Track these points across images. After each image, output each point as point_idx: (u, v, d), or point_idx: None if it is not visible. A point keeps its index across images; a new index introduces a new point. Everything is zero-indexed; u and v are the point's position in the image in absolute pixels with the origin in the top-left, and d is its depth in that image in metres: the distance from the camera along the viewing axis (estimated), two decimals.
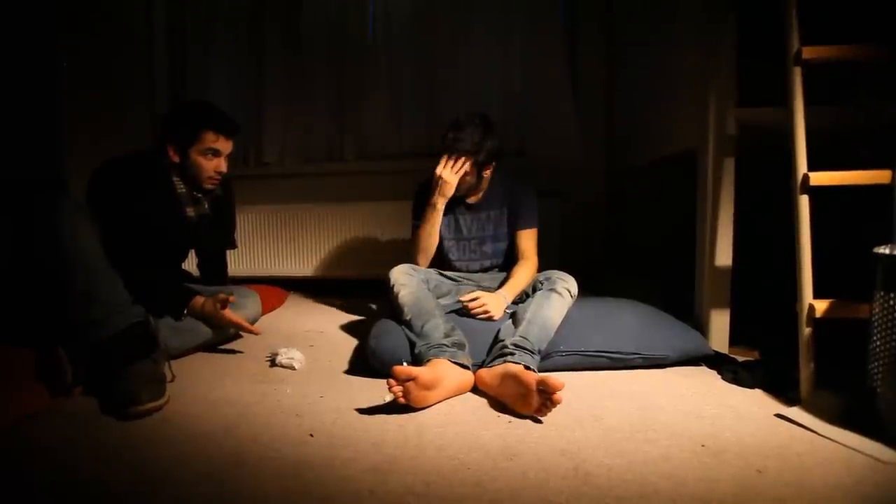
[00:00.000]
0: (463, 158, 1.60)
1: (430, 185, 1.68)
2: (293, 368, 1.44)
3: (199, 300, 1.48)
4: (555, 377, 1.05)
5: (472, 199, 1.78)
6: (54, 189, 1.23)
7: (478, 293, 1.54)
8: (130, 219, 1.45)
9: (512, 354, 1.28)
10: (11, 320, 1.33)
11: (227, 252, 1.90)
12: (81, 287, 1.18)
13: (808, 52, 1.17)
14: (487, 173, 1.68)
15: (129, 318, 1.22)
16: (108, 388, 1.16)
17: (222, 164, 1.57)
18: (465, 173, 1.62)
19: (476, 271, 1.80)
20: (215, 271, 1.84)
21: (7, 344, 1.28)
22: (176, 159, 1.52)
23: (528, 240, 1.73)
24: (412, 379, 1.11)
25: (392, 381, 1.10)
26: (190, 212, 1.59)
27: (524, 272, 1.64)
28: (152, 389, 1.14)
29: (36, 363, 1.22)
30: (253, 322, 1.71)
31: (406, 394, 1.11)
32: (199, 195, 1.60)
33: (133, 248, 1.42)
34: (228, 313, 1.50)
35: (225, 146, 1.56)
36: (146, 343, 1.23)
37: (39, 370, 1.21)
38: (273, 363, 1.47)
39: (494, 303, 1.52)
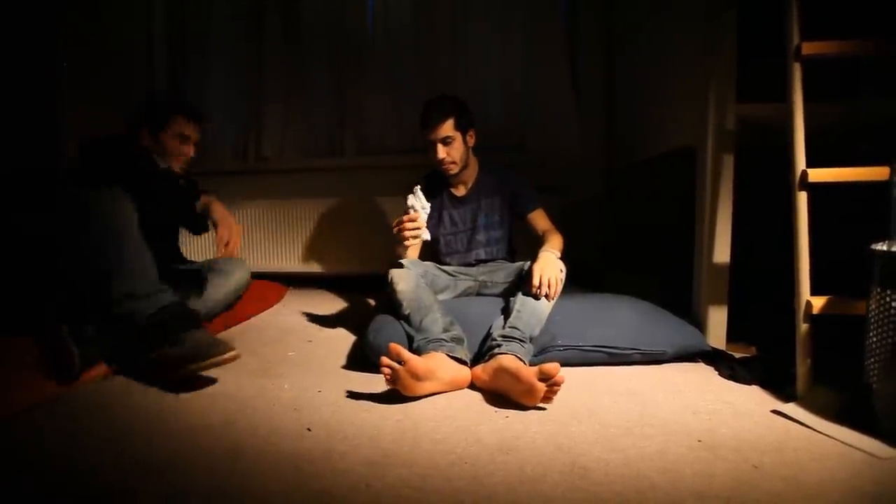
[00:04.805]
0: (445, 124, 1.66)
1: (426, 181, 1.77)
2: (413, 209, 1.46)
3: (206, 198, 1.54)
4: (548, 364, 1.09)
5: (460, 192, 1.81)
6: (99, 185, 1.34)
7: (534, 273, 1.45)
8: (133, 179, 1.47)
9: (499, 346, 1.29)
10: (5, 310, 1.36)
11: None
12: (133, 265, 1.27)
13: (808, 48, 1.17)
14: (471, 140, 1.76)
15: (170, 297, 1.31)
16: (161, 358, 1.22)
17: (190, 150, 1.68)
18: (452, 139, 1.68)
19: (472, 263, 1.81)
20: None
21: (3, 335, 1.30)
22: (147, 143, 1.62)
23: (542, 219, 1.77)
24: (403, 362, 1.12)
25: (385, 360, 1.12)
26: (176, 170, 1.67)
27: (555, 236, 1.67)
28: (221, 345, 1.22)
29: (40, 350, 1.24)
30: (241, 288, 1.83)
31: (395, 379, 1.12)
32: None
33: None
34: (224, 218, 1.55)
35: (193, 132, 1.68)
36: (192, 316, 1.32)
37: (44, 357, 1.23)
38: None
39: (549, 269, 1.46)
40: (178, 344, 1.21)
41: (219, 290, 1.69)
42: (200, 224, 1.74)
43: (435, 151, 1.69)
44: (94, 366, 1.26)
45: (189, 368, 1.19)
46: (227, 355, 1.21)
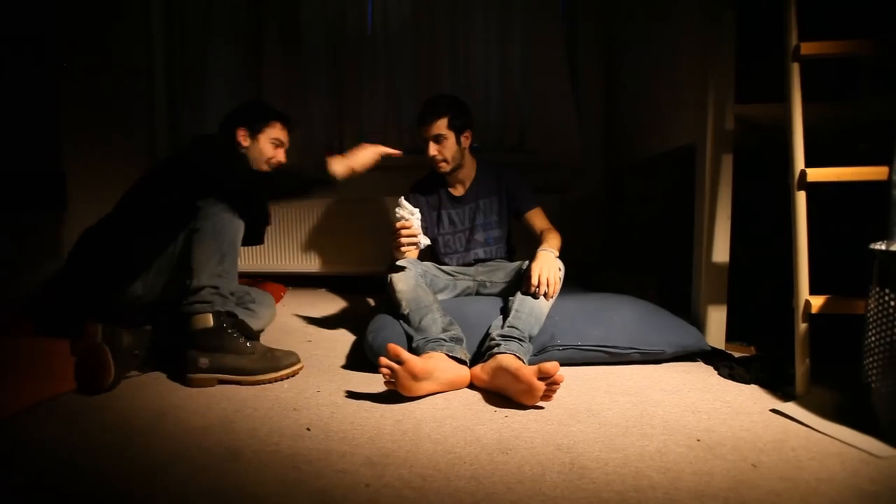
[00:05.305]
0: (437, 122, 1.68)
1: (421, 185, 1.81)
2: (404, 219, 1.47)
3: (331, 165, 1.54)
4: (547, 363, 1.09)
5: (457, 191, 1.82)
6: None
7: (532, 272, 1.44)
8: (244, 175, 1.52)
9: (498, 346, 1.29)
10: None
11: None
12: (229, 269, 1.36)
13: (806, 48, 1.17)
14: (466, 141, 1.75)
15: (236, 307, 1.40)
16: (219, 363, 1.28)
17: (281, 155, 1.71)
18: (444, 138, 1.69)
19: (470, 263, 1.81)
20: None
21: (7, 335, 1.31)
22: (245, 143, 1.64)
23: (541, 218, 1.76)
24: (402, 363, 1.12)
25: (383, 360, 1.12)
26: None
27: (553, 235, 1.66)
28: (292, 356, 1.33)
29: (76, 362, 1.25)
30: (265, 326, 1.77)
31: (394, 379, 1.12)
32: None
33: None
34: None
35: (287, 140, 1.72)
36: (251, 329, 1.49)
37: (79, 367, 1.24)
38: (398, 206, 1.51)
39: (547, 267, 1.45)
40: (247, 354, 1.29)
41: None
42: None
43: (427, 148, 1.71)
44: (123, 378, 1.28)
45: (264, 378, 1.28)
46: (297, 367, 1.33)
